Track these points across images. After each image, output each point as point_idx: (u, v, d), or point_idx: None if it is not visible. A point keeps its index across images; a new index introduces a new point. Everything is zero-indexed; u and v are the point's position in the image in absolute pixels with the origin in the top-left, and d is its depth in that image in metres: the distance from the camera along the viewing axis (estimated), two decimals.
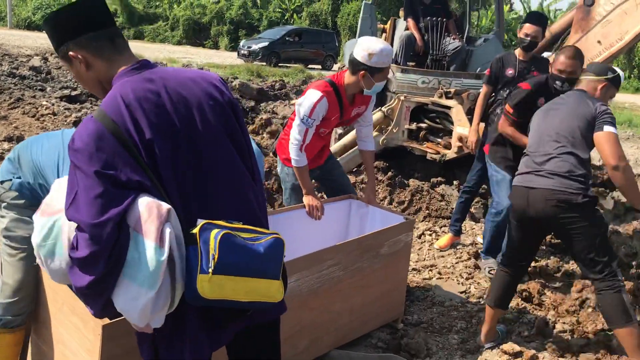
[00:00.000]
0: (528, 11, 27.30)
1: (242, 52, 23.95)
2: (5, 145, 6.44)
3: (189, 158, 1.66)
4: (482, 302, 3.94)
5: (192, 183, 1.67)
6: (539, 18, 4.53)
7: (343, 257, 2.96)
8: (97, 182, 1.51)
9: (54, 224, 1.69)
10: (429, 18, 6.78)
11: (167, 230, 1.52)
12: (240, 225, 1.66)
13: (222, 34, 32.74)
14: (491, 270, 4.32)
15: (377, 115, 6.40)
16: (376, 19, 7.60)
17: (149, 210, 1.52)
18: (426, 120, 6.50)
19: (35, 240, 1.71)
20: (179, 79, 1.72)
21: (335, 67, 24.61)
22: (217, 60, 21.47)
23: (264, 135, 8.26)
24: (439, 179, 6.38)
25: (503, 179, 4.18)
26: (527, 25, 4.43)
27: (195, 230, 1.57)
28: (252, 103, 10.86)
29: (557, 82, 3.64)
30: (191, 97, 1.71)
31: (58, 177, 2.32)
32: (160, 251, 1.50)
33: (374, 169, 5.33)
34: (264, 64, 22.37)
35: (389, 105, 6.45)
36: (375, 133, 6.46)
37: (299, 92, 14.37)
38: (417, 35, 6.78)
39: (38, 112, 8.16)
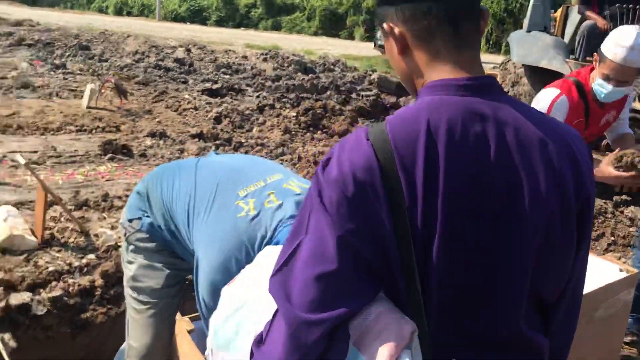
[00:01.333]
0: None
1: (379, 42, 23.17)
2: (148, 142, 6.30)
3: (481, 249, 1.01)
4: None
5: (468, 290, 1.02)
6: None
7: None
8: (334, 253, 0.96)
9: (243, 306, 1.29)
10: (617, 5, 5.72)
11: None
12: None
13: (358, 24, 32.30)
14: None
15: None
16: (550, 7, 6.61)
17: (386, 324, 0.95)
18: None
19: (215, 321, 1.34)
20: (523, 133, 1.04)
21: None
22: (354, 52, 20.99)
23: None
24: (624, 197, 5.35)
25: None
26: None
27: None
28: (394, 99, 10.19)
29: None
30: (527, 168, 1.03)
31: (188, 228, 1.83)
32: None
33: None
34: None
35: None
36: None
37: None
38: (602, 24, 5.74)
39: (180, 107, 8.07)
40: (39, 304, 3.06)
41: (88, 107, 7.35)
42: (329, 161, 1.02)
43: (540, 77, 6.18)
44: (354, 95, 9.94)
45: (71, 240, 3.71)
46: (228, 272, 1.68)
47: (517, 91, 6.12)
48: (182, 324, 1.87)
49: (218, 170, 1.97)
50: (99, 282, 3.29)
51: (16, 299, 3.04)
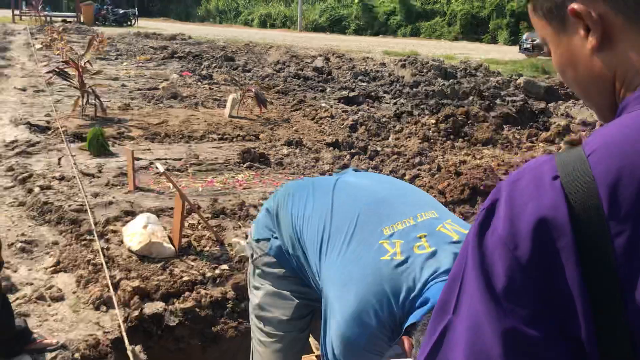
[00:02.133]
0: None
1: (525, 45, 21.95)
2: (285, 150, 6.30)
3: None
4: None
5: None
6: None
7: None
8: (500, 356, 0.68)
9: None
10: None
11: None
12: None
13: (501, 27, 30.96)
14: None
15: None
16: None
17: None
18: None
19: None
20: None
21: None
22: (497, 56, 20.06)
23: (562, 145, 6.92)
24: None
25: None
26: None
27: None
28: (542, 105, 9.45)
29: None
30: None
31: (319, 261, 1.61)
32: None
33: None
34: (549, 57, 20.13)
35: None
36: None
37: None
38: None
39: (317, 115, 8.04)
40: (172, 314, 3.04)
41: (230, 116, 7.53)
42: (491, 212, 0.71)
43: None
44: (498, 101, 9.35)
45: (206, 249, 3.70)
46: (364, 326, 1.45)
47: None
48: None
49: (359, 198, 1.72)
50: (231, 294, 3.22)
51: (150, 308, 3.04)
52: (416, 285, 1.42)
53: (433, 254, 1.47)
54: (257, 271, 1.88)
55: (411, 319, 1.42)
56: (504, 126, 7.78)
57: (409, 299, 1.42)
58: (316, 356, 1.68)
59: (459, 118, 7.36)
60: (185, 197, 3.65)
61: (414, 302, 1.42)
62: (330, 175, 2.23)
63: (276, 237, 1.84)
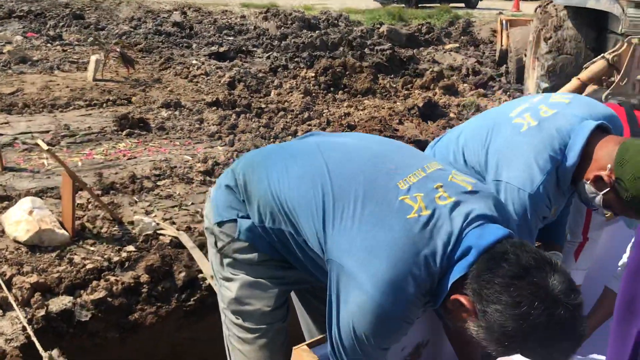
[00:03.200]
0: None
1: None
2: (164, 113, 5.88)
3: None
4: None
5: None
6: None
7: None
8: None
9: None
10: None
11: None
12: None
13: None
14: None
15: (599, 64, 5.09)
16: None
17: None
18: None
19: None
20: None
21: (482, 3, 22.52)
22: (351, 4, 20.25)
23: (437, 91, 7.15)
24: None
25: None
26: None
27: None
28: (410, 52, 9.70)
29: None
30: None
31: (323, 230, 1.45)
32: None
33: None
34: (403, 5, 20.79)
35: (614, 51, 5.09)
36: (594, 87, 5.17)
37: (449, 35, 12.98)
38: None
39: (190, 73, 7.60)
40: (82, 308, 2.72)
41: (94, 79, 6.89)
42: None
43: (587, 19, 5.72)
44: (367, 51, 9.45)
45: (104, 230, 3.34)
46: (402, 292, 1.33)
47: (562, 36, 5.66)
48: (302, 355, 1.49)
49: (355, 155, 1.57)
50: (145, 277, 2.94)
51: (56, 304, 2.69)
52: (451, 238, 1.35)
53: (456, 204, 1.41)
54: (227, 260, 1.66)
55: (455, 274, 1.34)
56: (379, 75, 7.87)
57: (446, 254, 1.35)
58: (307, 345, 1.53)
59: (337, 70, 7.33)
60: (74, 174, 3.25)
61: (452, 256, 1.35)
62: (289, 140, 2.00)
63: (244, 217, 1.63)
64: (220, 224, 1.66)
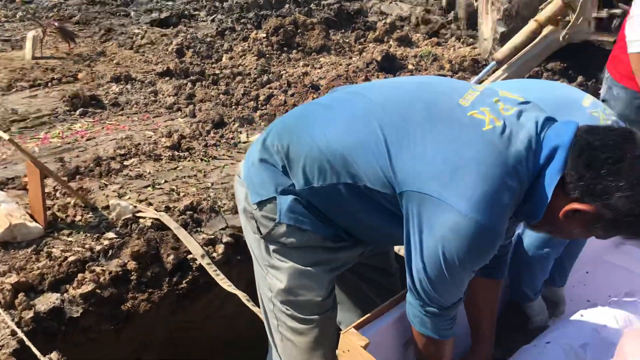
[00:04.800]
0: None
1: None
2: (115, 88, 5.60)
3: None
4: None
5: None
6: None
7: None
8: None
9: None
10: None
11: None
12: None
13: None
14: None
15: (554, 4, 5.10)
16: None
17: None
18: (621, 5, 5.13)
19: None
20: None
21: None
22: None
23: (392, 43, 7.06)
24: None
25: None
26: None
27: None
28: (357, 5, 9.52)
29: None
30: None
31: (390, 163, 1.39)
32: None
33: None
34: None
35: None
36: (551, 27, 5.19)
37: None
38: None
39: (135, 43, 7.25)
40: (72, 304, 2.58)
41: (34, 57, 6.49)
42: None
43: None
44: (313, 6, 9.23)
45: (78, 218, 3.17)
46: (499, 205, 1.29)
47: None
48: (352, 340, 1.41)
49: (400, 88, 1.52)
50: (132, 265, 2.81)
51: (43, 303, 2.54)
52: (531, 141, 1.33)
53: (520, 112, 1.38)
54: (273, 247, 1.56)
55: (552, 179, 1.31)
56: (330, 31, 7.71)
57: (531, 159, 1.32)
58: (355, 327, 1.45)
59: (289, 29, 7.12)
60: (40, 163, 3.05)
61: (537, 160, 1.33)
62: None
63: (283, 190, 1.51)
64: (260, 205, 1.54)
